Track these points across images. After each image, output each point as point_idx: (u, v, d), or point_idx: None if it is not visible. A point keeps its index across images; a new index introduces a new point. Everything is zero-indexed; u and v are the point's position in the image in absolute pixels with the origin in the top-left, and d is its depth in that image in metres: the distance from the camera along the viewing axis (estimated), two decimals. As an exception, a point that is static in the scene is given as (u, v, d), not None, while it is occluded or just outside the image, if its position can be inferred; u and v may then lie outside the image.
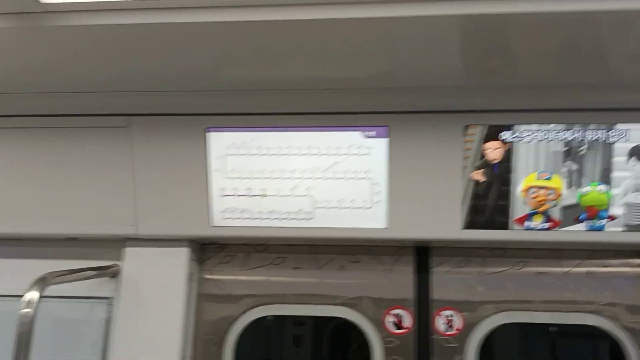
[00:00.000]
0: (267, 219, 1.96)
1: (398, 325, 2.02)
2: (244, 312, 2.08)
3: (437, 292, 2.03)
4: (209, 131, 1.93)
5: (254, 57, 1.65)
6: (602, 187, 1.82)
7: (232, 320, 2.08)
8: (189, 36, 1.49)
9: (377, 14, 1.38)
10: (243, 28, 1.45)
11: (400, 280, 2.05)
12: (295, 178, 1.93)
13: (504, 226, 1.87)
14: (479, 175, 1.86)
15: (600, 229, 1.84)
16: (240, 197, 1.95)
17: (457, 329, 2.00)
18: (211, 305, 2.10)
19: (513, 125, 1.83)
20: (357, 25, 1.42)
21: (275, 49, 1.59)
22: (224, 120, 1.92)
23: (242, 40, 1.52)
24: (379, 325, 2.03)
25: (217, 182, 1.95)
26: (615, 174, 1.81)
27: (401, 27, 1.43)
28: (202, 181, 1.95)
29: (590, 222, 1.84)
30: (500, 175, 1.85)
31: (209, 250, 2.14)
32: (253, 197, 1.95)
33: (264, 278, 2.10)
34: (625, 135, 1.80)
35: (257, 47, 1.58)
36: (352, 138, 1.90)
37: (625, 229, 1.83)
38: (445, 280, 2.03)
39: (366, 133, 1.89)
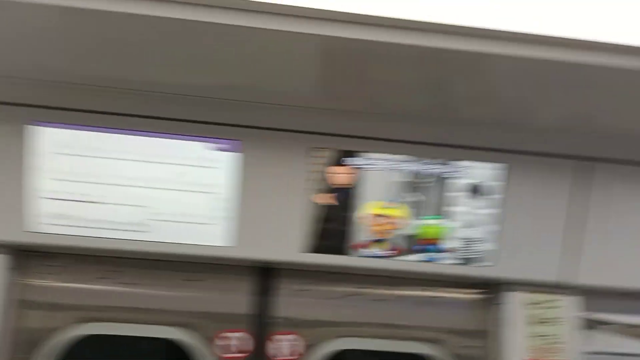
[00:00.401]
0: (96, 228, 1.77)
1: (236, 349, 1.93)
2: (59, 329, 1.86)
3: (278, 314, 1.96)
4: (32, 125, 1.72)
5: (92, 50, 1.48)
6: (441, 221, 1.88)
7: (46, 338, 1.85)
8: (8, 14, 1.31)
9: (230, 21, 1.30)
10: (77, 14, 1.29)
11: (241, 301, 1.96)
12: (132, 186, 1.77)
13: (344, 251, 1.85)
14: (323, 199, 1.83)
15: (437, 260, 1.89)
16: (64, 201, 1.75)
17: (298, 354, 1.95)
18: (26, 320, 1.86)
19: (360, 151, 1.83)
20: (210, 30, 1.33)
21: (115, 44, 1.44)
22: (50, 115, 1.71)
23: (75, 28, 1.36)
24: (215, 348, 1.92)
25: (38, 182, 1.73)
26: (454, 209, 1.88)
27: (256, 39, 1.36)
28: (19, 181, 1.72)
29: (428, 254, 1.89)
30: (343, 200, 1.83)
31: (29, 257, 1.90)
32: (80, 202, 1.76)
33: (88, 291, 1.90)
34: (465, 172, 1.87)
35: (94, 39, 1.42)
36: (199, 149, 1.79)
37: (460, 262, 1.90)
38: (287, 303, 1.97)
39: (216, 145, 1.79)
